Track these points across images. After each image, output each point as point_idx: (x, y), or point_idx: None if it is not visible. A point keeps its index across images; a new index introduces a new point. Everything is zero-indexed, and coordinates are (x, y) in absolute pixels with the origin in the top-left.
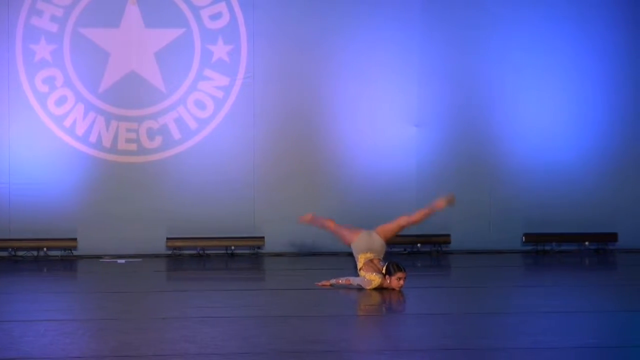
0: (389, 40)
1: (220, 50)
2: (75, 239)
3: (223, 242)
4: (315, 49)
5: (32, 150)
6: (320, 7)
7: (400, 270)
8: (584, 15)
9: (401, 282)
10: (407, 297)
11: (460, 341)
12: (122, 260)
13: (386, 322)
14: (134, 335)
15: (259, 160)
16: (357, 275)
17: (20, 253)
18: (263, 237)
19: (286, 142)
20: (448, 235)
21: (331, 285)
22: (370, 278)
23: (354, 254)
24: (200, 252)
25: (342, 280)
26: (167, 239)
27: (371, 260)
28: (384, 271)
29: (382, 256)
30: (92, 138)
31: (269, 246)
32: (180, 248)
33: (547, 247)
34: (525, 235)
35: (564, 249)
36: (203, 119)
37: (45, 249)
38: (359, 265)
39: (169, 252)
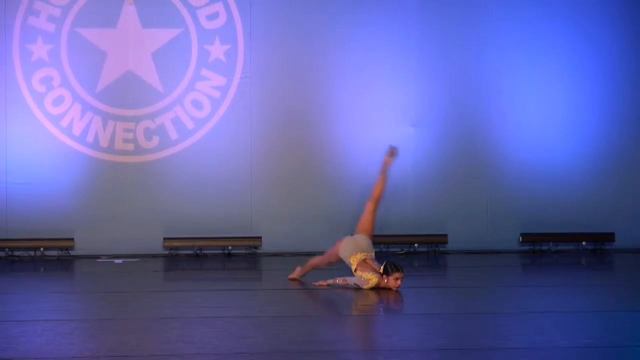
0: (386, 40)
1: (217, 50)
2: (72, 239)
3: (220, 242)
4: (312, 48)
5: (29, 150)
6: (317, 6)
7: (398, 270)
8: (582, 15)
9: (398, 282)
10: (404, 297)
11: (457, 341)
12: (119, 260)
13: (383, 322)
14: (131, 336)
15: (256, 160)
16: (353, 276)
17: (17, 253)
18: (260, 237)
19: (283, 142)
20: (445, 235)
21: (328, 285)
22: (368, 277)
23: (346, 260)
24: (198, 252)
25: (339, 280)
26: (164, 239)
27: (364, 260)
28: (381, 271)
29: (373, 254)
30: (89, 138)
31: (266, 246)
32: (177, 248)
33: (544, 247)
34: (523, 235)
35: (561, 249)
36: (200, 118)
37: (42, 249)
38: (353, 267)
39: (166, 252)
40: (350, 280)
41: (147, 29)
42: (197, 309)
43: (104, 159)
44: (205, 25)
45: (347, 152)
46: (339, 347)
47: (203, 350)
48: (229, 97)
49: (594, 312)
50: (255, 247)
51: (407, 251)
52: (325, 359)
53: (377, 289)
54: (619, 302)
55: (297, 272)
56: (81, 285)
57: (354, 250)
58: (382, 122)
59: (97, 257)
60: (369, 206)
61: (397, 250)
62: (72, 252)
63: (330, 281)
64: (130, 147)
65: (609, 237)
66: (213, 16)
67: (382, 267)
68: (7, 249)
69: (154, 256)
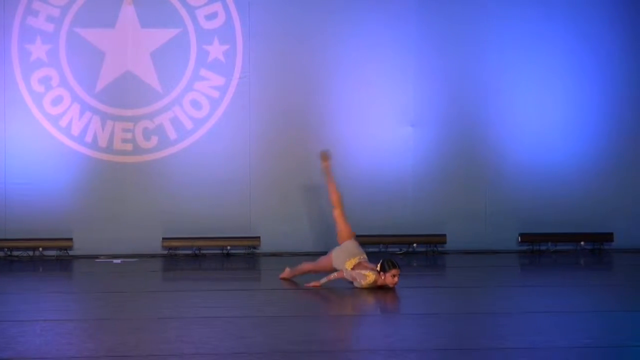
0: (385, 40)
1: (216, 50)
2: (71, 239)
3: (219, 242)
4: (311, 48)
5: (27, 150)
6: (316, 6)
7: (395, 267)
8: (581, 15)
9: (395, 279)
10: (403, 297)
11: (456, 341)
12: (118, 260)
13: (381, 322)
14: (130, 335)
15: (255, 160)
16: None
17: (15, 253)
18: (259, 237)
19: (282, 142)
20: (444, 235)
21: (321, 285)
22: (365, 274)
23: (341, 266)
24: (196, 252)
25: (334, 275)
26: (163, 238)
27: (359, 263)
28: (378, 268)
29: (365, 256)
30: (88, 138)
31: (264, 246)
32: (176, 248)
33: (543, 247)
34: (521, 235)
35: (560, 249)
36: (199, 119)
37: (40, 248)
38: (350, 269)
39: (165, 252)
40: (347, 274)
41: (146, 29)
42: (195, 309)
43: (102, 159)
44: (204, 25)
45: (346, 152)
46: (338, 347)
47: (202, 350)
48: (227, 97)
49: (593, 312)
50: (254, 247)
51: (406, 251)
52: (324, 359)
53: (375, 288)
54: (618, 302)
55: (286, 273)
56: (80, 285)
57: (347, 257)
58: (381, 121)
59: (96, 257)
60: (336, 213)
61: (396, 250)
62: (70, 252)
63: (324, 280)
64: (129, 147)
65: (608, 237)
66: (212, 16)
67: (379, 265)
68: (5, 249)
69: (153, 256)
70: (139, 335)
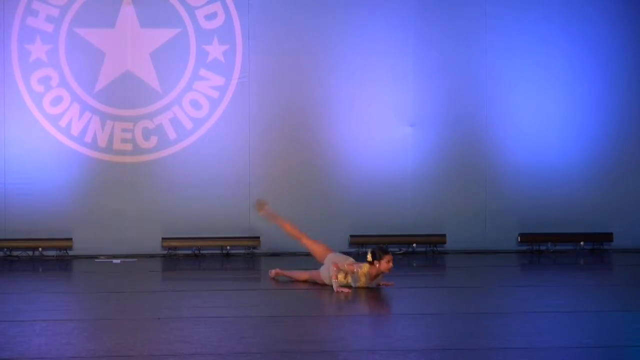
0: (384, 40)
1: (215, 50)
2: (70, 239)
3: (218, 242)
4: (310, 49)
5: (27, 150)
6: (315, 6)
7: (386, 252)
8: (581, 16)
9: (390, 264)
10: (403, 297)
11: (455, 341)
12: (118, 260)
13: (381, 322)
14: (129, 335)
15: (255, 160)
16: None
17: (15, 253)
18: (258, 237)
19: (281, 142)
20: (444, 235)
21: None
22: (359, 266)
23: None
24: (196, 252)
25: (334, 274)
26: (163, 239)
27: (350, 264)
28: (369, 258)
29: (351, 259)
30: (88, 138)
31: (264, 246)
32: (175, 248)
33: (543, 247)
34: (521, 235)
35: (560, 249)
36: (198, 119)
37: (40, 248)
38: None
39: (165, 252)
40: (341, 265)
41: (146, 28)
42: (195, 309)
43: (102, 158)
44: (204, 25)
45: (346, 152)
46: (338, 347)
47: (201, 350)
48: (227, 97)
49: (593, 312)
50: (254, 247)
51: (406, 251)
52: (323, 359)
53: (374, 288)
54: (618, 302)
55: (276, 271)
56: (79, 285)
57: (343, 259)
58: (380, 122)
59: (96, 257)
60: (305, 242)
61: (396, 250)
62: (70, 252)
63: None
64: (128, 147)
65: (607, 237)
66: (211, 16)
67: (369, 255)
68: (5, 249)
69: (153, 256)
70: (139, 335)
